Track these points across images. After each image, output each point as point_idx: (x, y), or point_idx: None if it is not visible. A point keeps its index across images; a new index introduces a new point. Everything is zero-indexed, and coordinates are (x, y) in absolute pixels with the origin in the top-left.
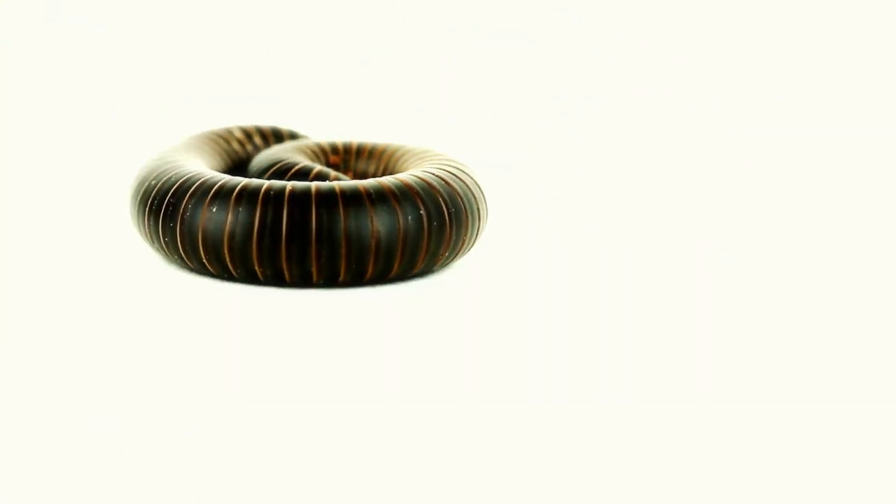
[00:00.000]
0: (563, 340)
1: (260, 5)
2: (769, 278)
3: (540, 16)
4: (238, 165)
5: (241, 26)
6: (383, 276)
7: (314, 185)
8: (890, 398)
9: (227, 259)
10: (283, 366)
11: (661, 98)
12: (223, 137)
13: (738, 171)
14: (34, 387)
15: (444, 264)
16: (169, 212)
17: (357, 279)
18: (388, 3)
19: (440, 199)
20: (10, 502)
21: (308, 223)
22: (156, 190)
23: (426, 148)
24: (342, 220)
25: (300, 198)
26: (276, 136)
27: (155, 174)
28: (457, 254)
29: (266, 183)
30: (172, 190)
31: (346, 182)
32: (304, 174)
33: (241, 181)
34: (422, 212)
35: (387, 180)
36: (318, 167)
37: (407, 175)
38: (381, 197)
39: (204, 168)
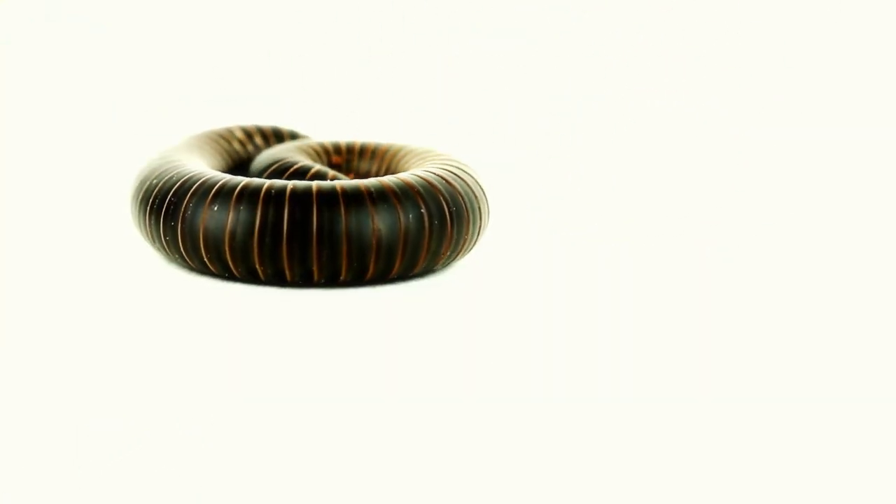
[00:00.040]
0: (563, 340)
1: (260, 5)
2: (769, 278)
3: (540, 16)
4: (239, 165)
5: (241, 26)
6: (384, 276)
7: (315, 184)
8: (890, 398)
9: (228, 258)
10: (284, 366)
11: (661, 98)
12: (224, 137)
13: (738, 171)
14: (34, 386)
15: (446, 264)
16: (170, 211)
17: (358, 278)
18: (388, 3)
19: (441, 198)
20: (10, 502)
21: (309, 222)
22: (157, 189)
23: (428, 148)
24: (343, 218)
25: (301, 197)
26: (277, 136)
27: (156, 174)
28: (458, 253)
29: (267, 182)
30: (174, 189)
31: (347, 181)
32: (301, 173)
33: (243, 180)
34: (423, 210)
35: (388, 179)
36: (316, 166)
37: (408, 174)
38: (381, 195)
39: (205, 168)
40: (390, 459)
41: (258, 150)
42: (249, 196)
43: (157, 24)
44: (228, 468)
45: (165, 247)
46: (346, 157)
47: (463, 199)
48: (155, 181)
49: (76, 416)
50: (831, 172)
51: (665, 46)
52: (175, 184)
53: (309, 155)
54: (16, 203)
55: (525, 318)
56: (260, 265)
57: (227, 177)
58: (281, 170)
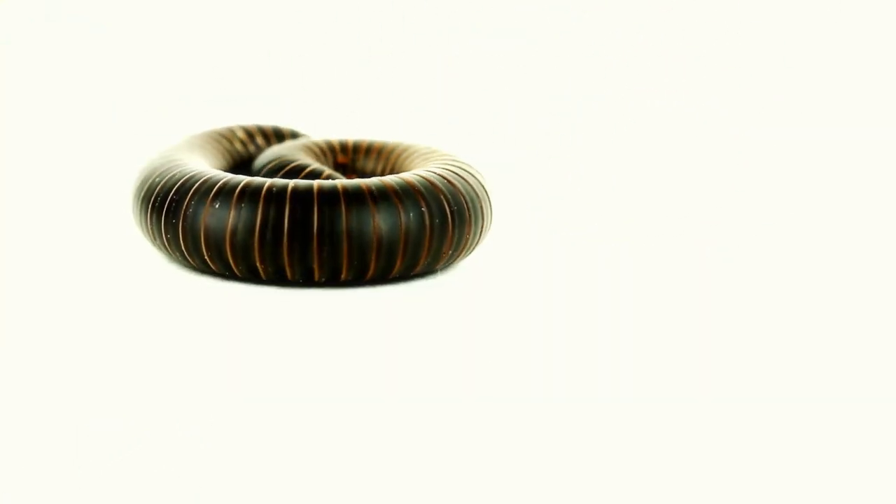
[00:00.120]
0: (563, 340)
1: (260, 5)
2: (769, 278)
3: (540, 16)
4: (240, 165)
5: (241, 26)
6: (386, 275)
7: (316, 183)
8: (890, 398)
9: (229, 256)
10: (284, 366)
11: (661, 98)
12: (225, 137)
13: (738, 171)
14: (35, 385)
15: (449, 263)
16: (171, 209)
17: (359, 277)
18: (388, 3)
19: (443, 197)
20: (10, 502)
21: (310, 220)
22: (158, 188)
23: (433, 147)
24: (344, 217)
25: (302, 195)
26: (278, 136)
27: (158, 172)
28: (461, 253)
29: (268, 181)
30: (175, 188)
31: (348, 180)
32: (296, 172)
33: (244, 179)
34: (423, 210)
35: (389, 178)
36: (313, 165)
37: (410, 174)
38: (383, 194)
39: (206, 166)
40: (390, 459)
41: (259, 149)
42: (251, 195)
43: (157, 25)
44: (228, 468)
45: (166, 245)
46: (351, 157)
47: (465, 198)
48: (157, 180)
49: (76, 415)
50: (831, 172)
51: (665, 46)
52: (176, 182)
53: (314, 153)
54: (17, 203)
55: (525, 318)
56: (261, 263)
57: (229, 175)
58: (276, 168)
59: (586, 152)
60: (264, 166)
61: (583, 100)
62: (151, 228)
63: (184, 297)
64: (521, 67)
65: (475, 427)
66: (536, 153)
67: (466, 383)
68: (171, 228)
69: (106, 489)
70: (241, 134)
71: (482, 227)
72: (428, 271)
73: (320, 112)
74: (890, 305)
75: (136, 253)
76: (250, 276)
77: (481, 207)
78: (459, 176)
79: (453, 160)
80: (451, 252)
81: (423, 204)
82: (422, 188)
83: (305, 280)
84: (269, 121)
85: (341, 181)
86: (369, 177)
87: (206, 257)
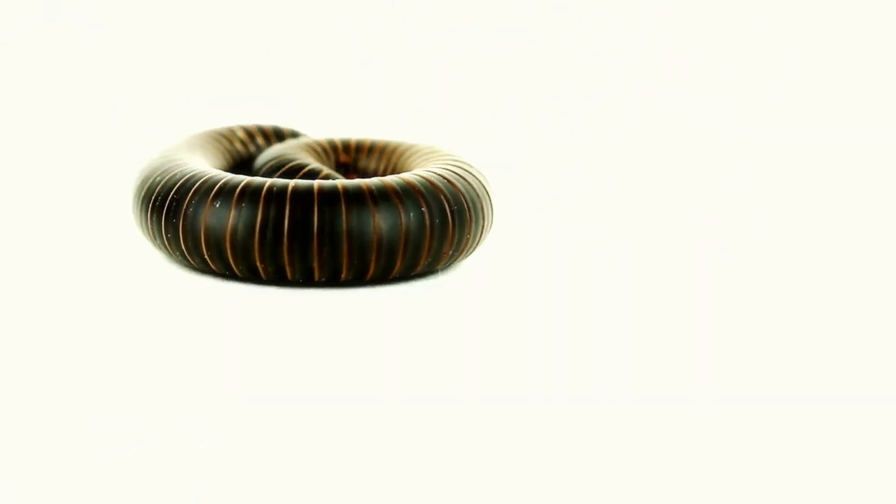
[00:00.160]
0: (563, 340)
1: (260, 5)
2: (769, 278)
3: (540, 16)
4: (240, 164)
5: (241, 26)
6: (386, 275)
7: (317, 182)
8: (890, 398)
9: (230, 256)
10: (284, 366)
11: (661, 98)
12: (226, 136)
13: (738, 171)
14: (35, 385)
15: (449, 263)
16: (172, 209)
17: (359, 277)
18: (388, 3)
19: (443, 197)
20: (10, 502)
21: (310, 220)
22: (159, 187)
23: (434, 147)
24: (344, 216)
25: (302, 195)
26: (278, 136)
27: (158, 172)
28: (461, 253)
29: (269, 181)
30: (175, 187)
31: (348, 180)
32: (294, 171)
33: (244, 179)
34: (424, 210)
35: (389, 178)
36: (311, 164)
37: (411, 174)
38: (383, 194)
39: (207, 166)
40: (390, 459)
41: (259, 149)
42: (251, 194)
43: (157, 24)
44: (228, 468)
45: (167, 245)
46: (353, 156)
47: (465, 199)
48: (157, 179)
49: (77, 414)
50: (831, 172)
51: (665, 47)
52: (177, 182)
53: (315, 152)
54: (17, 202)
55: (525, 318)
56: (261, 263)
57: (229, 175)
58: (275, 167)
59: (586, 152)
60: (264, 165)
61: (583, 100)
62: (152, 228)
63: (184, 297)
64: (521, 67)
65: (475, 427)
66: (536, 153)
67: (466, 383)
68: (172, 228)
69: (106, 489)
70: (241, 134)
71: (483, 227)
72: (428, 271)
73: (320, 112)
74: (890, 305)
75: (136, 253)
76: (250, 275)
77: (482, 207)
78: (460, 176)
79: (455, 160)
80: (451, 252)
81: (423, 204)
82: (422, 188)
83: (305, 280)
84: (269, 121)
85: (341, 181)
86: (371, 176)
87: (206, 257)
